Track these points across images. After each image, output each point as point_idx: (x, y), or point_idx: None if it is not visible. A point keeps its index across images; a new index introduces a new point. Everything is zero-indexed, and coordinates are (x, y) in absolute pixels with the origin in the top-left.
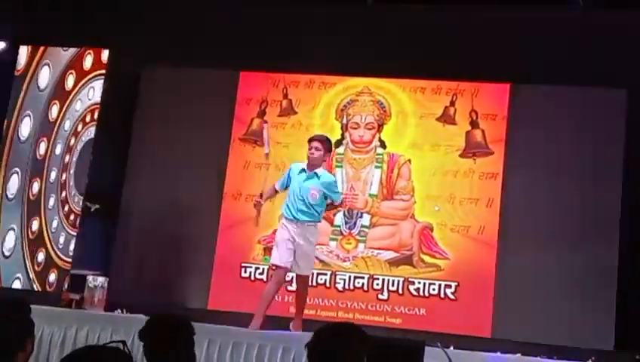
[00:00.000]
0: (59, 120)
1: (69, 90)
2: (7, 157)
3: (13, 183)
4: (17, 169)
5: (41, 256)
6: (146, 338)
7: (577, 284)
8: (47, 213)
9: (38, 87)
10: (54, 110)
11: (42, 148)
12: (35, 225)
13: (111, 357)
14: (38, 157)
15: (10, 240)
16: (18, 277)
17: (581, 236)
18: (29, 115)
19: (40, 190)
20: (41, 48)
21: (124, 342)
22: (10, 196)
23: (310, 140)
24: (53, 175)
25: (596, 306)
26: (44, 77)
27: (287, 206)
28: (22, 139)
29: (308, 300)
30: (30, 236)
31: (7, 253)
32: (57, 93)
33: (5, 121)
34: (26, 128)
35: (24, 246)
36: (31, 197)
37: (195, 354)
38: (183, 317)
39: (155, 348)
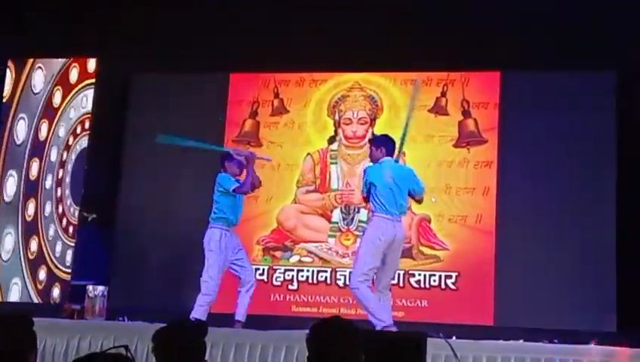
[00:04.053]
0: (58, 116)
1: (57, 106)
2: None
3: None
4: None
5: (42, 274)
6: (158, 344)
7: (577, 267)
8: (44, 230)
9: (32, 91)
10: (43, 128)
11: (43, 131)
12: (33, 246)
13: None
14: (30, 177)
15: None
16: (16, 283)
17: (579, 220)
18: (24, 118)
19: (36, 210)
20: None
21: (126, 347)
22: (7, 200)
23: None
24: (48, 204)
25: (597, 288)
26: (37, 88)
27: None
28: (17, 141)
29: (309, 298)
30: (30, 256)
31: (5, 257)
32: (47, 112)
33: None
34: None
35: (24, 265)
36: (27, 218)
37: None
38: (198, 322)
39: (166, 354)
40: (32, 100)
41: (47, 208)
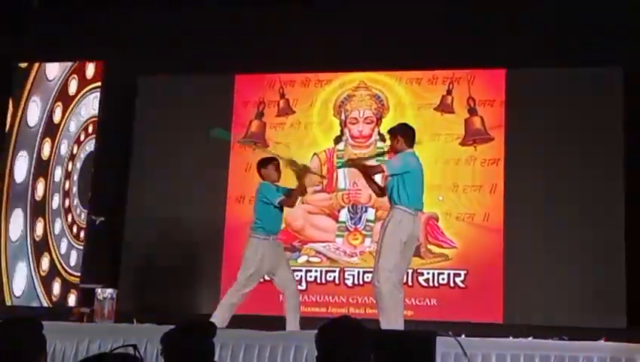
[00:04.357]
0: (54, 148)
1: (73, 95)
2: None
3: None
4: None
5: (45, 263)
6: (167, 345)
7: (586, 264)
8: (57, 246)
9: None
10: (46, 147)
11: (40, 188)
12: (43, 259)
13: (125, 361)
14: (36, 198)
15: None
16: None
17: (587, 216)
18: (24, 156)
19: (45, 191)
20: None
21: (135, 346)
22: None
23: None
24: (56, 200)
25: (606, 284)
26: (33, 113)
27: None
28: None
29: (318, 298)
30: (41, 272)
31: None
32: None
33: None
34: (21, 169)
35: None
36: (37, 198)
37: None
38: (206, 324)
39: (174, 355)
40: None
41: (57, 224)
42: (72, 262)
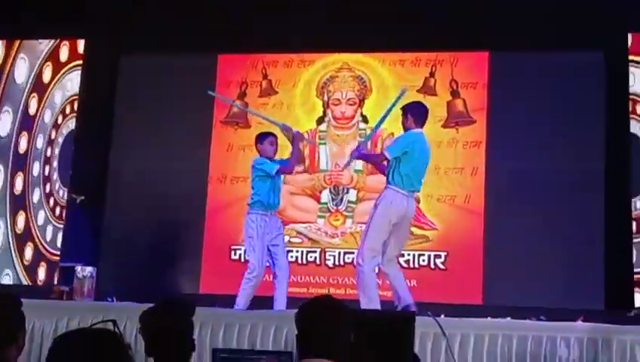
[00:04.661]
0: (38, 113)
1: (47, 82)
2: None
3: None
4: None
5: (29, 251)
6: (146, 323)
7: (566, 246)
8: (32, 208)
9: (15, 81)
10: (33, 104)
11: (23, 142)
12: (20, 221)
13: (102, 336)
14: (19, 151)
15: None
16: (7, 274)
17: (567, 199)
18: (8, 111)
19: (24, 185)
20: (17, 42)
21: (114, 322)
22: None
23: None
24: (36, 169)
25: (585, 267)
26: (21, 71)
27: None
28: (2, 135)
29: (299, 279)
30: (17, 232)
31: None
32: (35, 87)
33: None
34: (5, 124)
35: (11, 242)
36: (15, 193)
37: (195, 341)
38: (185, 305)
39: (153, 333)
40: (16, 91)
41: (37, 193)
42: (48, 238)
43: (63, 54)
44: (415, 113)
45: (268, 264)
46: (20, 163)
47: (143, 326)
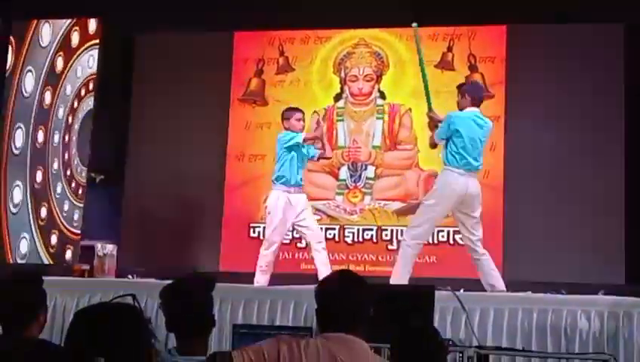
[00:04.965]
0: (62, 78)
1: (75, 47)
2: (12, 112)
3: (18, 138)
4: (21, 124)
5: (54, 239)
6: (166, 298)
7: (586, 221)
8: (53, 192)
9: (40, 45)
10: (59, 63)
11: (47, 98)
12: (43, 212)
13: (122, 310)
14: (44, 106)
15: (17, 195)
16: (24, 237)
17: (587, 173)
18: (31, 71)
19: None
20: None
21: (134, 296)
22: (15, 152)
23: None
24: (55, 163)
25: (606, 241)
26: (29, 81)
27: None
28: (25, 94)
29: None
30: (40, 223)
31: (14, 210)
32: (62, 48)
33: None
34: (29, 84)
35: (29, 202)
36: (37, 146)
37: (215, 316)
38: (206, 280)
39: (173, 308)
40: (40, 53)
41: (55, 166)
42: (74, 217)
43: (75, 39)
44: (473, 93)
45: (286, 241)
46: (43, 119)
47: (163, 302)
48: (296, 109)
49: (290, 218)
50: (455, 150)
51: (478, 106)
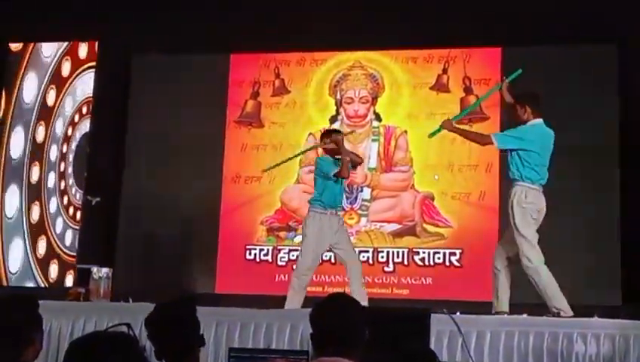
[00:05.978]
0: (54, 112)
1: (52, 105)
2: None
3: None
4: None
5: (42, 246)
6: (150, 326)
7: (582, 243)
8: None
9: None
10: (41, 131)
11: (35, 171)
12: (34, 212)
13: (117, 339)
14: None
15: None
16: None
17: (582, 193)
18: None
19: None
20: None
21: (128, 325)
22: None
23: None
24: (51, 180)
25: (601, 262)
26: (31, 90)
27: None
28: (14, 157)
29: (314, 277)
30: (38, 255)
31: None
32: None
33: None
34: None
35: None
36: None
37: (204, 336)
38: (186, 300)
39: (159, 333)
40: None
41: (53, 204)
42: (68, 243)
43: (65, 69)
44: (533, 103)
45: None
46: (37, 152)
47: (148, 334)
48: (332, 131)
49: (326, 241)
50: (534, 164)
51: (540, 116)
